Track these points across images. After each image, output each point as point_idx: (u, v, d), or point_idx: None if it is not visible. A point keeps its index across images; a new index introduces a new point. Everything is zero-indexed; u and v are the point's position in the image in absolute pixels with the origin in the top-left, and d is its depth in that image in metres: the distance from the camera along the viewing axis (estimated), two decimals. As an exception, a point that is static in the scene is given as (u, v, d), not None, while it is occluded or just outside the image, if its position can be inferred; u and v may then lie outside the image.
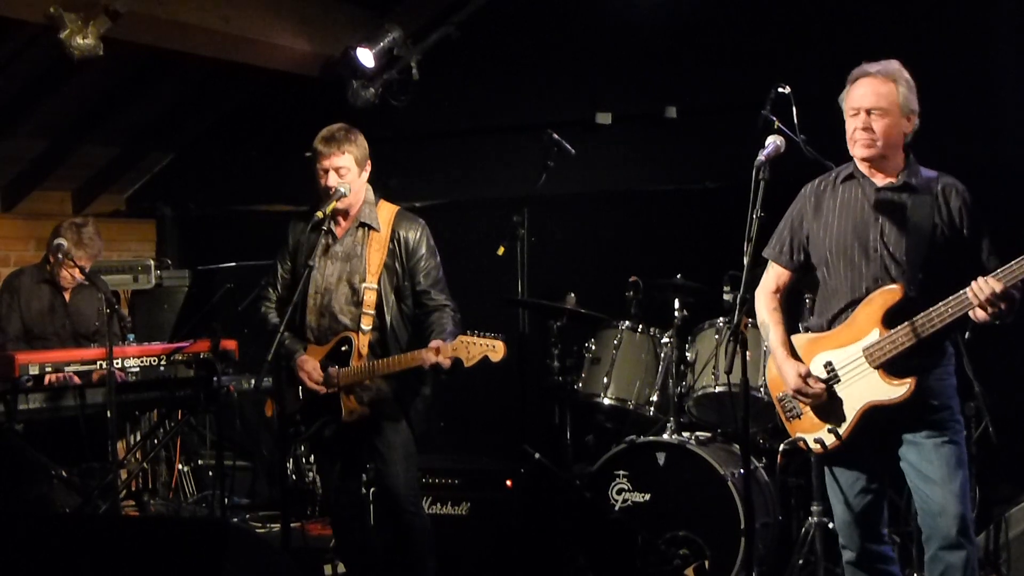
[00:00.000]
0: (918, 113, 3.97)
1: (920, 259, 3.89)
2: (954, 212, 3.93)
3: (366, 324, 4.75)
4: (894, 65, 3.98)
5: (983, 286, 3.72)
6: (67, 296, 6.44)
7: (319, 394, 4.75)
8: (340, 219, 4.84)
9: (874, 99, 3.91)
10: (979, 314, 3.80)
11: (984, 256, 3.91)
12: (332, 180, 4.72)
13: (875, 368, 3.90)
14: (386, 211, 4.88)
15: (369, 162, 4.84)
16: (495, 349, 4.61)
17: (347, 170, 4.74)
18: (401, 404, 4.80)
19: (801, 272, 4.20)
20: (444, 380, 4.82)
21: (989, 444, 5.05)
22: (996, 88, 6.10)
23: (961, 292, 3.77)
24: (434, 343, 4.64)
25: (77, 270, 6.22)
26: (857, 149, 3.97)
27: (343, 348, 4.75)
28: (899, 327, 3.85)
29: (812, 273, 4.16)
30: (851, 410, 3.95)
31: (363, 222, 4.81)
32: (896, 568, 4.16)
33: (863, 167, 4.02)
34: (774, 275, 4.23)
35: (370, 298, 4.75)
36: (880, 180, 3.99)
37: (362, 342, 4.74)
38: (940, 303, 3.79)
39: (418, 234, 4.85)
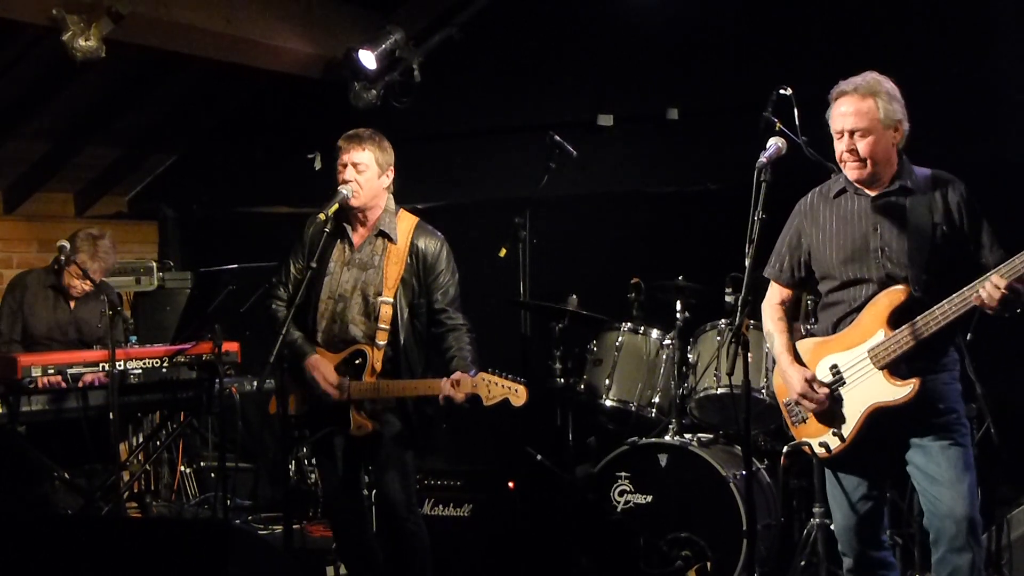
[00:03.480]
0: (906, 118, 3.94)
1: (923, 260, 3.88)
2: (952, 208, 3.92)
3: (381, 339, 4.70)
4: (871, 77, 3.94)
5: (992, 290, 3.71)
6: (72, 305, 6.41)
7: (327, 401, 4.73)
8: (358, 226, 4.81)
9: (855, 120, 3.89)
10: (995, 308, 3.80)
11: (986, 249, 3.90)
12: (349, 174, 4.70)
13: (879, 369, 3.90)
14: (406, 222, 4.82)
15: (392, 170, 4.81)
16: (517, 394, 4.58)
17: (365, 167, 4.71)
18: (407, 423, 4.76)
19: (803, 287, 4.22)
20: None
21: (991, 445, 5.05)
22: (997, 87, 6.10)
23: (963, 290, 3.77)
24: (455, 376, 4.58)
25: (85, 281, 6.21)
26: (848, 172, 3.98)
27: (357, 361, 4.71)
28: (903, 327, 3.85)
29: (813, 280, 4.17)
30: (856, 413, 3.95)
31: (382, 230, 4.78)
32: (896, 574, 4.16)
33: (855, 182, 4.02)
34: (777, 289, 4.25)
35: (386, 312, 4.70)
36: (874, 191, 3.99)
37: (376, 357, 4.70)
38: (943, 302, 3.80)
39: (438, 248, 4.79)
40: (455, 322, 4.77)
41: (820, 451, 4.06)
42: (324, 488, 5.08)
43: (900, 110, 3.93)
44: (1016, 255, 3.74)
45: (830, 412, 4.01)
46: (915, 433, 3.93)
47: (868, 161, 3.91)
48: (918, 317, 3.83)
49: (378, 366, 4.70)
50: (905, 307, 3.87)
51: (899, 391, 3.87)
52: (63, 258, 6.15)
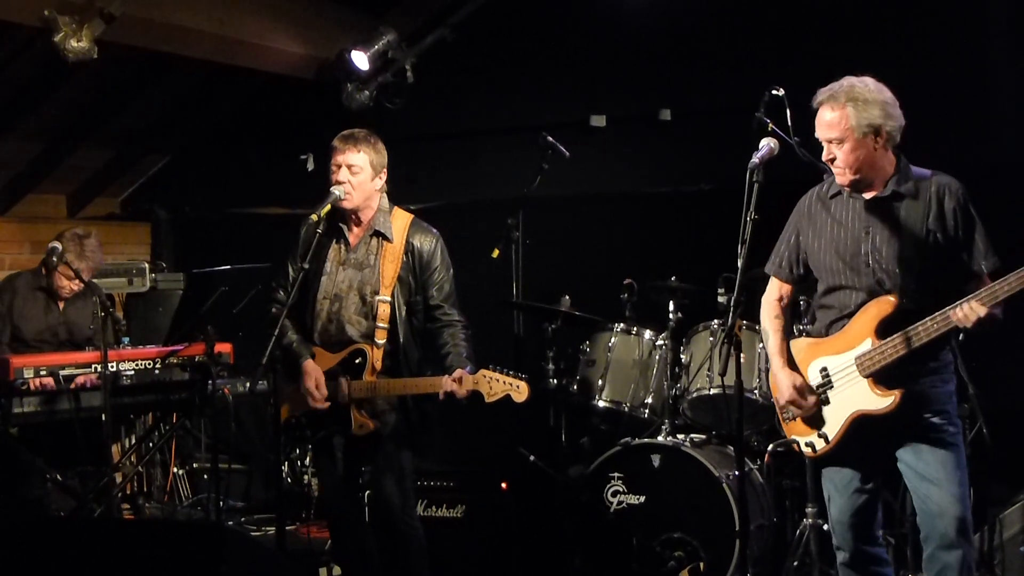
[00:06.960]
0: (892, 118, 3.88)
1: (914, 269, 3.89)
2: (947, 214, 3.91)
3: (380, 338, 4.70)
4: (845, 84, 3.91)
5: (968, 312, 3.74)
6: (61, 306, 6.39)
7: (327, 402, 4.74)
8: (353, 226, 4.81)
9: (827, 130, 3.90)
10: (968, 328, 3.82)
11: (980, 256, 3.89)
12: (343, 176, 4.70)
13: (865, 377, 3.93)
14: (400, 220, 4.83)
15: (385, 171, 4.81)
16: (519, 390, 4.59)
17: (359, 168, 4.71)
18: (408, 422, 4.76)
19: (802, 284, 4.24)
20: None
21: (983, 445, 5.06)
22: (992, 87, 6.11)
23: (947, 308, 3.79)
24: (457, 373, 4.59)
25: (75, 281, 6.18)
26: (836, 178, 3.99)
27: (357, 360, 4.72)
28: (889, 339, 3.88)
29: (811, 279, 4.19)
30: (840, 418, 3.99)
31: (377, 230, 4.78)
32: (889, 570, 4.18)
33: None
34: (776, 286, 4.27)
35: (384, 311, 4.71)
36: (868, 194, 3.98)
37: (376, 356, 4.70)
38: (927, 318, 3.81)
39: (433, 245, 4.80)
40: (451, 318, 4.78)
41: (807, 450, 4.11)
42: (322, 488, 5.08)
43: (879, 114, 3.86)
44: (995, 282, 3.77)
45: (818, 414, 4.05)
46: (903, 435, 3.94)
47: (847, 169, 3.91)
48: (905, 331, 3.84)
49: (378, 365, 4.71)
50: (893, 317, 3.89)
51: (882, 401, 3.90)
52: (53, 259, 6.12)
